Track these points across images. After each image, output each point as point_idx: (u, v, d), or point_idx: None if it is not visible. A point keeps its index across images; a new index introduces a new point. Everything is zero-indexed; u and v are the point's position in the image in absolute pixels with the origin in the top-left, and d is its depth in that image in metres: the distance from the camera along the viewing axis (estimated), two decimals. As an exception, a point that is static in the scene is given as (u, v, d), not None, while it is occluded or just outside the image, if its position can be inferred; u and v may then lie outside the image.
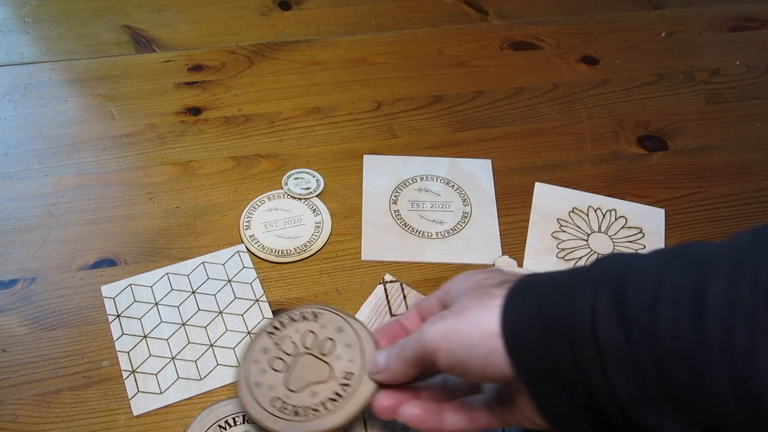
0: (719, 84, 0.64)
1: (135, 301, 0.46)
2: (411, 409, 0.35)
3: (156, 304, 0.45)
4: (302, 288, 0.47)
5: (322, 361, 0.37)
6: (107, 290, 0.46)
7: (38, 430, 0.40)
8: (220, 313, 0.45)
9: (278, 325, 0.39)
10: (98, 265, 0.48)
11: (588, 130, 0.58)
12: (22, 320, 0.45)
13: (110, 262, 0.48)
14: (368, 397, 0.36)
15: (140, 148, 0.55)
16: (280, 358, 0.37)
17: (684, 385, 0.25)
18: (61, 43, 0.63)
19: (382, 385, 0.36)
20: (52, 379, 0.42)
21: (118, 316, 0.45)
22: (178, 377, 0.42)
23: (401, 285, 0.47)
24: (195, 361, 0.43)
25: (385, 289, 0.47)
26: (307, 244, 0.49)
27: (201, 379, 0.42)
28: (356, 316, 0.45)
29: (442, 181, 0.53)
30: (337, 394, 0.36)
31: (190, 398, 0.42)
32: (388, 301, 0.46)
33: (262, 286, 0.47)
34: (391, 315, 0.45)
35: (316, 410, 0.36)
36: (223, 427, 0.40)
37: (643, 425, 0.27)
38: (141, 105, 0.58)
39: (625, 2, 0.72)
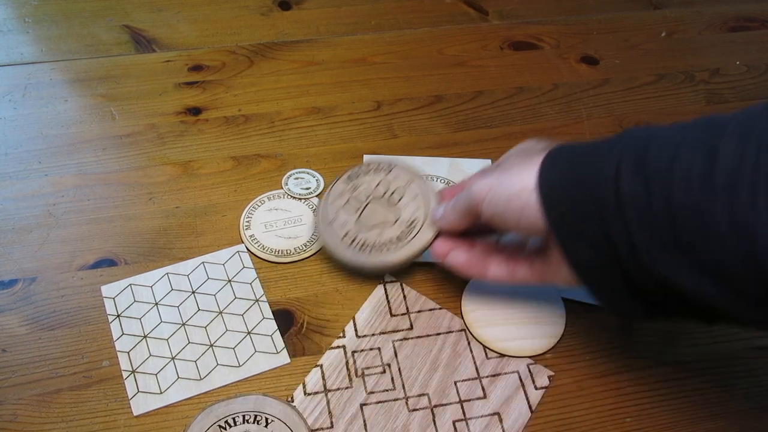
0: (719, 84, 0.64)
1: (135, 301, 0.46)
2: (458, 256, 0.42)
3: (156, 304, 0.45)
4: (302, 288, 0.47)
5: (390, 207, 0.44)
6: (107, 290, 0.46)
7: (38, 430, 0.40)
8: (220, 313, 0.45)
9: (354, 174, 0.45)
10: (98, 265, 0.48)
11: (588, 130, 0.58)
12: (22, 320, 0.45)
13: (110, 262, 0.48)
14: (427, 242, 0.42)
15: (140, 148, 0.55)
16: (355, 201, 0.44)
17: (693, 233, 0.28)
18: (61, 43, 0.63)
19: (440, 234, 0.43)
20: (52, 379, 0.42)
21: (118, 316, 0.45)
22: (178, 377, 0.42)
23: (401, 285, 0.47)
24: (195, 361, 0.43)
25: (385, 290, 0.47)
26: (307, 244, 0.49)
27: (201, 379, 0.42)
28: (355, 317, 0.45)
29: (443, 181, 0.53)
30: (400, 237, 0.43)
31: (190, 398, 0.42)
32: (388, 301, 0.46)
33: (262, 286, 0.47)
34: (392, 315, 0.45)
35: (382, 247, 0.43)
36: (223, 427, 0.40)
37: (657, 273, 0.30)
38: (141, 105, 0.58)
39: (625, 2, 0.72)
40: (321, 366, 0.43)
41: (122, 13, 0.66)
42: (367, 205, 0.44)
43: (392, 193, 0.44)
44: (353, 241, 0.43)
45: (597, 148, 0.33)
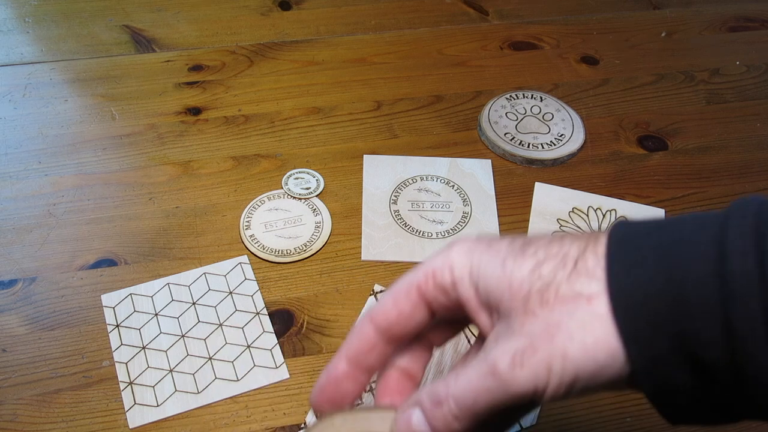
0: (719, 84, 0.64)
1: (135, 311, 0.45)
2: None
3: (156, 314, 0.45)
4: (302, 288, 0.47)
5: (543, 122, 0.52)
6: (107, 299, 0.46)
7: (38, 430, 0.40)
8: (220, 325, 0.45)
9: (513, 96, 0.54)
10: (98, 265, 0.48)
11: (588, 130, 0.58)
12: (22, 320, 0.45)
13: (110, 262, 0.48)
14: (575, 150, 0.51)
15: (140, 148, 0.55)
16: (514, 114, 0.53)
17: None
18: (61, 43, 0.63)
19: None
20: (52, 379, 0.42)
21: (118, 326, 0.44)
22: (176, 390, 0.42)
23: None
24: (193, 374, 0.43)
25: (377, 299, 0.46)
26: (307, 244, 0.49)
27: (198, 392, 0.42)
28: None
29: (442, 181, 0.53)
30: (552, 143, 0.49)
31: (187, 412, 0.41)
32: None
33: (263, 298, 0.47)
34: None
35: (536, 147, 0.50)
36: None
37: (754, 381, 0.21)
38: (141, 105, 0.58)
39: (625, 2, 0.72)
40: None
41: (122, 13, 0.66)
42: (524, 117, 0.56)
43: (545, 114, 0.56)
44: (513, 138, 0.55)
45: (702, 248, 0.22)
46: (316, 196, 0.52)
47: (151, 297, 0.46)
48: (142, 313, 0.45)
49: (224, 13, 0.67)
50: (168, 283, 0.47)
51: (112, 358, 0.43)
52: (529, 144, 0.55)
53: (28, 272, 0.47)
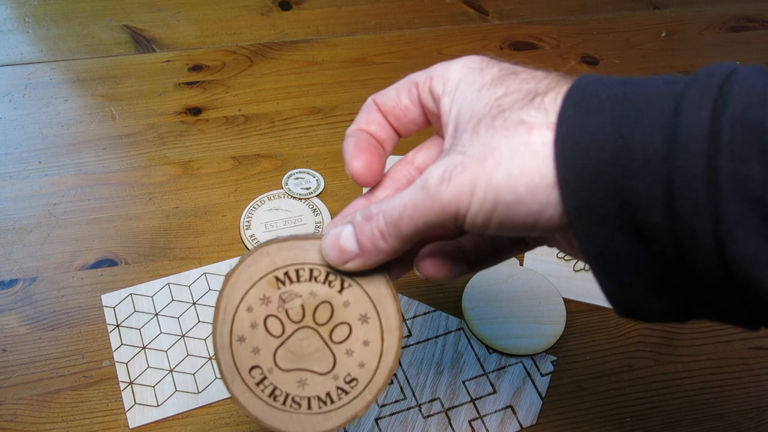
0: (719, 84, 0.63)
1: (135, 311, 0.45)
2: (429, 263, 0.29)
3: (156, 314, 0.45)
4: (302, 288, 0.47)
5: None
6: (107, 299, 0.46)
7: (38, 430, 0.40)
8: None
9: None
10: (98, 265, 0.48)
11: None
12: (23, 320, 0.45)
13: (110, 262, 0.48)
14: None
15: (140, 148, 0.55)
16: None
17: None
18: (61, 43, 0.63)
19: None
20: (53, 378, 0.42)
21: (118, 326, 0.44)
22: (176, 390, 0.42)
23: None
24: (193, 374, 0.43)
25: None
26: (307, 244, 0.49)
27: (199, 392, 0.42)
28: None
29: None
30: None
31: (187, 412, 0.41)
32: None
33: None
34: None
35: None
36: (281, 280, 0.29)
37: (732, 264, 0.20)
38: (141, 105, 0.58)
39: (625, 2, 0.72)
40: None
41: (122, 13, 0.66)
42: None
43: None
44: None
45: (657, 93, 0.21)
46: (317, 196, 0.52)
47: (152, 297, 0.46)
48: (143, 313, 0.45)
49: (224, 13, 0.67)
50: (168, 283, 0.47)
51: (113, 358, 0.43)
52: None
53: (28, 272, 0.47)
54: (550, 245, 0.28)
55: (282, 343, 0.28)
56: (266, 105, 0.59)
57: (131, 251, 0.48)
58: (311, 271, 0.29)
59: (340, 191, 0.53)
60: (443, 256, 0.29)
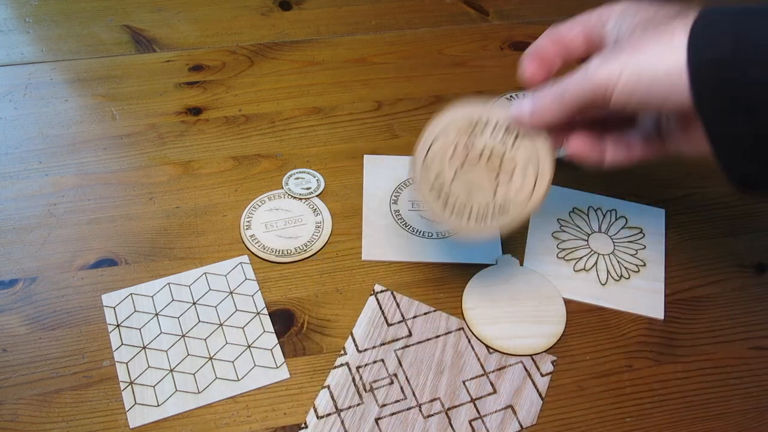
0: (719, 84, 0.63)
1: (135, 311, 0.45)
2: (578, 142, 0.38)
3: (156, 314, 0.45)
4: (302, 288, 0.47)
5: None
6: (107, 299, 0.46)
7: (39, 430, 0.40)
8: (221, 325, 0.45)
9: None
10: (99, 264, 0.48)
11: (588, 130, 0.58)
12: (23, 320, 0.45)
13: (111, 262, 0.48)
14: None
15: (140, 148, 0.55)
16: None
17: None
18: (62, 43, 0.63)
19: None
20: (53, 378, 0.42)
21: (118, 326, 0.44)
22: (176, 390, 0.42)
23: (392, 293, 0.47)
24: (193, 374, 0.43)
25: (378, 300, 0.47)
26: (308, 244, 0.49)
27: (199, 392, 0.42)
28: (353, 331, 0.45)
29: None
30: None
31: (187, 412, 0.41)
32: (383, 311, 0.46)
33: (263, 298, 0.47)
34: (388, 325, 0.45)
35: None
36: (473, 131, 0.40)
37: None
38: (141, 105, 0.58)
39: (626, 2, 0.72)
40: (328, 387, 0.42)
41: (122, 13, 0.66)
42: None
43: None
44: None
45: (757, 6, 0.30)
46: (317, 196, 0.52)
47: (152, 297, 0.46)
48: (143, 312, 0.45)
49: (224, 13, 0.67)
50: (168, 283, 0.47)
51: (113, 357, 0.43)
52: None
53: (28, 272, 0.47)
54: (677, 146, 0.37)
55: (461, 172, 0.40)
56: (266, 105, 0.59)
57: (131, 251, 0.48)
58: (495, 125, 0.40)
59: (341, 191, 0.53)
60: (587, 138, 0.38)
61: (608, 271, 0.49)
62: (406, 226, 0.50)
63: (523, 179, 0.39)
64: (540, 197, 0.39)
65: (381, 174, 0.54)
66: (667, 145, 0.38)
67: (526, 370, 0.43)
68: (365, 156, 0.55)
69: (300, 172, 0.54)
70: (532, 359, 0.44)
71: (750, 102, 0.30)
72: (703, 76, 0.30)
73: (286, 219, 0.51)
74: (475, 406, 0.42)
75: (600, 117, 0.40)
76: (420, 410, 0.42)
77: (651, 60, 0.32)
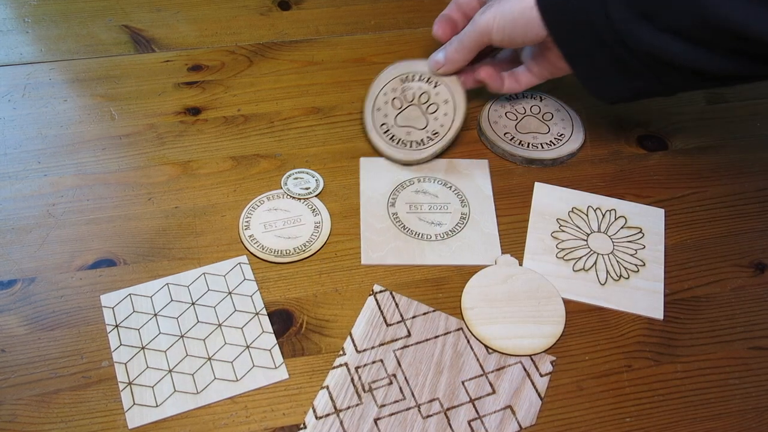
0: (719, 84, 0.63)
1: (134, 311, 0.45)
2: (484, 70, 0.52)
3: (155, 314, 0.45)
4: (301, 288, 0.47)
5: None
6: (106, 299, 0.46)
7: (38, 430, 0.40)
8: (219, 325, 0.45)
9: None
10: (97, 265, 0.48)
11: (588, 130, 0.58)
12: (22, 320, 0.45)
13: (109, 263, 0.48)
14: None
15: (139, 148, 0.55)
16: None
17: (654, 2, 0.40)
18: (61, 43, 0.63)
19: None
20: (52, 379, 0.42)
21: (117, 326, 0.44)
22: (175, 390, 0.42)
23: (391, 294, 0.47)
24: (192, 375, 0.43)
25: (377, 300, 0.46)
26: (307, 244, 0.49)
27: (198, 393, 0.42)
28: (352, 332, 0.45)
29: (440, 182, 0.53)
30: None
31: (186, 412, 0.41)
32: (382, 312, 0.46)
33: (262, 298, 0.46)
34: (387, 325, 0.45)
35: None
36: (403, 80, 0.53)
37: (630, 40, 0.42)
38: (140, 105, 0.58)
39: (625, 2, 0.72)
40: (327, 387, 0.42)
41: (122, 13, 0.66)
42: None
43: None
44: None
45: None
46: (316, 196, 0.52)
47: (151, 297, 0.46)
48: (142, 313, 0.45)
49: (224, 13, 0.67)
50: (167, 284, 0.47)
51: (112, 358, 0.43)
52: (528, 144, 0.55)
53: (27, 272, 0.47)
54: (548, 71, 0.52)
55: (400, 112, 0.54)
56: (265, 105, 0.59)
57: (130, 251, 0.48)
58: (420, 75, 0.53)
59: (340, 191, 0.53)
60: (491, 70, 0.53)
61: (607, 271, 0.48)
62: (404, 229, 0.50)
63: (445, 111, 0.53)
64: (460, 122, 0.53)
65: (378, 176, 0.54)
66: (543, 71, 0.51)
67: (525, 370, 0.43)
68: (361, 159, 0.55)
69: (299, 172, 0.54)
70: (532, 359, 0.44)
71: (577, 29, 0.44)
72: (547, 7, 0.44)
73: (285, 219, 0.51)
74: (474, 406, 0.42)
75: (492, 55, 0.56)
76: (419, 410, 0.42)
77: (512, 5, 0.46)
